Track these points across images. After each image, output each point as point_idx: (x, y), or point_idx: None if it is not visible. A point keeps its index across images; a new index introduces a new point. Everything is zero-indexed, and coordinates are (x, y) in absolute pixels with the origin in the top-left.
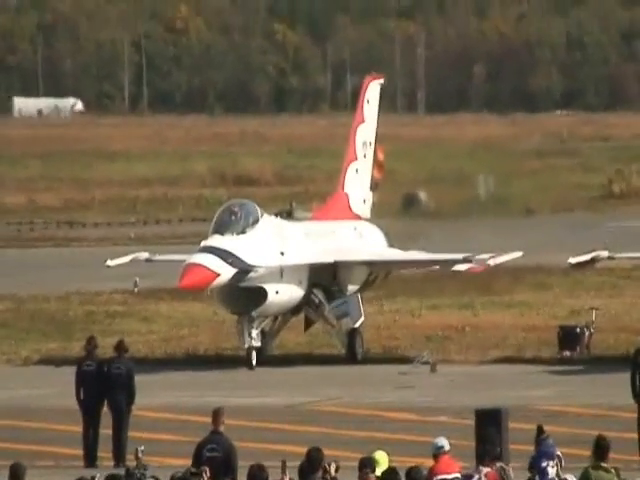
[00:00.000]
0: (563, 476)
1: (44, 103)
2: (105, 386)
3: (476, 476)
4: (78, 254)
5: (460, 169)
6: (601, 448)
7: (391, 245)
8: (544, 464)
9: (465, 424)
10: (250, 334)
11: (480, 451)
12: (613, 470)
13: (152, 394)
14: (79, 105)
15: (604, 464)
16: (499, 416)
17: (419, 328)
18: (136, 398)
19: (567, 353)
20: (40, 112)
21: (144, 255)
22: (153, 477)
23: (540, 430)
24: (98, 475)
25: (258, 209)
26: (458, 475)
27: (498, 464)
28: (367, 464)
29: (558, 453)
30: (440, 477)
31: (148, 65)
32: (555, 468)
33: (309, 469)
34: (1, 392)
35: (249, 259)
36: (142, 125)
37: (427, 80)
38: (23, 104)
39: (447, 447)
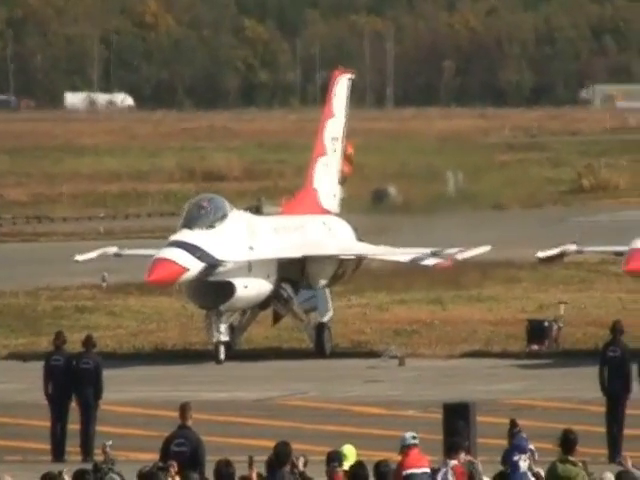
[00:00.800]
0: (535, 469)
1: (96, 97)
2: (73, 381)
3: (443, 469)
4: (47, 249)
5: (429, 164)
6: (568, 442)
7: (360, 239)
8: (516, 458)
9: (433, 418)
10: (218, 328)
11: (448, 443)
12: (580, 464)
13: (120, 389)
14: (129, 100)
15: (571, 457)
16: (467, 410)
17: (387, 322)
18: (104, 393)
19: (535, 347)
20: (92, 104)
21: (112, 250)
22: (118, 474)
23: (513, 424)
24: (65, 470)
25: (227, 204)
26: (427, 470)
27: (467, 457)
28: (335, 458)
29: (531, 447)
30: (409, 471)
31: (117, 60)
32: (527, 462)
33: (277, 463)
34: None
35: (217, 253)
36: (111, 120)
37: (396, 75)
38: (74, 98)
39: (416, 441)
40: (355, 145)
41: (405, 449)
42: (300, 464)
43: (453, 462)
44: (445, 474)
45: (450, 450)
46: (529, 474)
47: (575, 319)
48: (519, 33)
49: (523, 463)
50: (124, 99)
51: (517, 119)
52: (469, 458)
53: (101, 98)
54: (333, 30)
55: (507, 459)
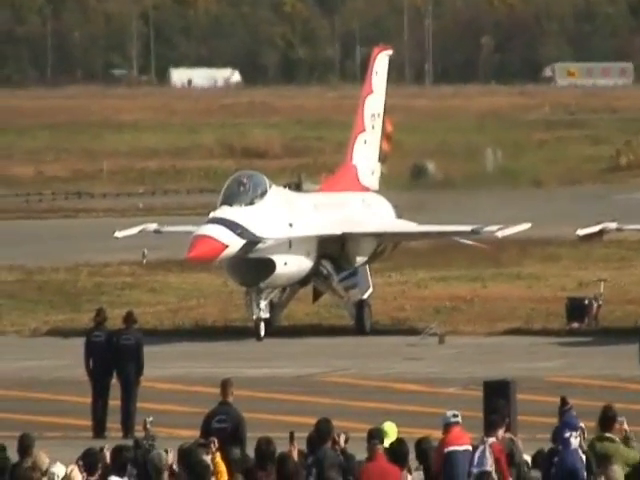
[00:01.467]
0: (585, 447)
1: (200, 74)
2: (114, 357)
3: (481, 447)
4: (86, 225)
5: (468, 141)
6: (606, 419)
7: (399, 217)
8: (567, 434)
9: (474, 395)
10: (258, 305)
11: (486, 421)
12: (618, 439)
13: (161, 365)
14: (236, 76)
15: (609, 434)
16: (507, 388)
17: (427, 300)
18: (145, 369)
19: (575, 325)
20: (190, 82)
21: (152, 226)
22: (165, 450)
23: (564, 402)
24: (107, 446)
25: (266, 180)
26: (469, 447)
27: (506, 435)
28: (375, 435)
29: (581, 425)
30: (451, 448)
31: (156, 37)
32: (578, 439)
33: (318, 440)
34: (10, 363)
35: (257, 230)
36: (150, 96)
37: (435, 52)
38: (180, 74)
39: (458, 419)
40: (394, 122)
41: (447, 427)
42: (341, 441)
43: (491, 439)
44: (483, 452)
45: (489, 428)
46: (580, 451)
47: (615, 297)
48: (558, 10)
49: (574, 440)
50: (231, 75)
51: (556, 96)
52: (509, 435)
53: (202, 74)
54: (372, 6)
55: (558, 436)
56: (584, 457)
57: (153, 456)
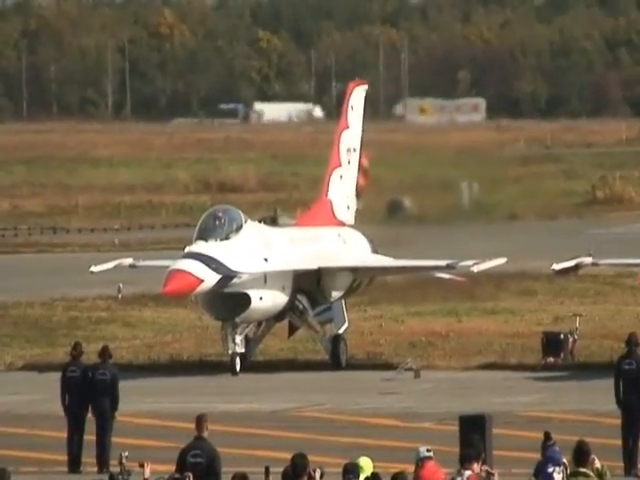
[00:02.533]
0: None
1: (288, 108)
2: (90, 392)
3: (458, 479)
4: (62, 260)
5: (445, 175)
6: (581, 453)
7: (375, 251)
8: (550, 469)
9: (449, 430)
10: (234, 340)
11: (461, 455)
12: (592, 473)
13: (136, 400)
14: (317, 111)
15: (584, 469)
16: (483, 422)
17: (403, 334)
18: (120, 404)
19: (551, 359)
20: (289, 118)
21: (128, 261)
22: (140, 464)
23: (547, 436)
24: None
25: (242, 215)
26: None
27: (484, 468)
28: (351, 470)
29: (564, 460)
30: None
31: (132, 71)
32: (561, 474)
33: (293, 475)
34: None
35: (233, 265)
36: (126, 131)
37: (411, 86)
38: (264, 109)
39: (430, 454)
40: (370, 157)
41: (420, 462)
42: (317, 476)
43: (468, 472)
44: None
45: (464, 461)
46: None
47: (591, 332)
48: (534, 45)
49: (557, 475)
50: (313, 109)
51: (532, 131)
52: (486, 468)
53: (289, 108)
54: (348, 41)
55: (541, 471)
56: None
57: None
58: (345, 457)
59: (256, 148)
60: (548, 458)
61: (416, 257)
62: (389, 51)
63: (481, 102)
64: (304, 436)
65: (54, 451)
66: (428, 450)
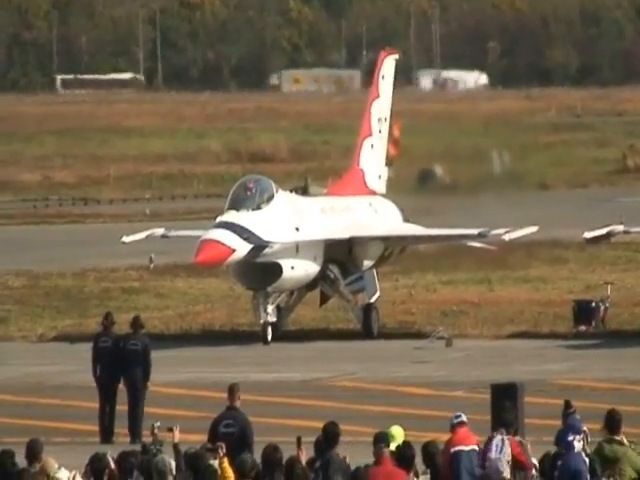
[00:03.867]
0: (589, 450)
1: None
2: (121, 362)
3: (498, 436)
4: (93, 231)
5: (475, 144)
6: (613, 421)
7: (406, 220)
8: (570, 438)
9: (481, 398)
10: (266, 309)
11: (501, 419)
12: (627, 442)
13: (168, 370)
14: (483, 79)
15: (617, 437)
16: (515, 390)
17: (434, 303)
18: (152, 374)
19: (582, 328)
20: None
21: (160, 231)
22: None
23: (567, 405)
24: (109, 452)
25: (273, 185)
26: (475, 447)
27: (516, 438)
28: (381, 439)
29: (584, 428)
30: (457, 448)
31: (163, 41)
32: (581, 442)
33: (325, 444)
34: (17, 368)
35: (264, 235)
36: (157, 101)
37: (442, 55)
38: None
39: (465, 418)
40: (401, 126)
41: (454, 428)
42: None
43: (507, 436)
44: (502, 440)
45: (503, 425)
46: (583, 454)
47: (622, 300)
48: (564, 14)
49: (577, 443)
50: (478, 78)
51: (563, 99)
52: (518, 438)
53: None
54: (378, 10)
55: (561, 439)
56: (587, 460)
57: (157, 461)
58: (376, 426)
59: (288, 118)
60: (568, 426)
61: (447, 226)
62: (420, 20)
63: (355, 74)
64: (336, 405)
65: (86, 422)
66: (458, 416)
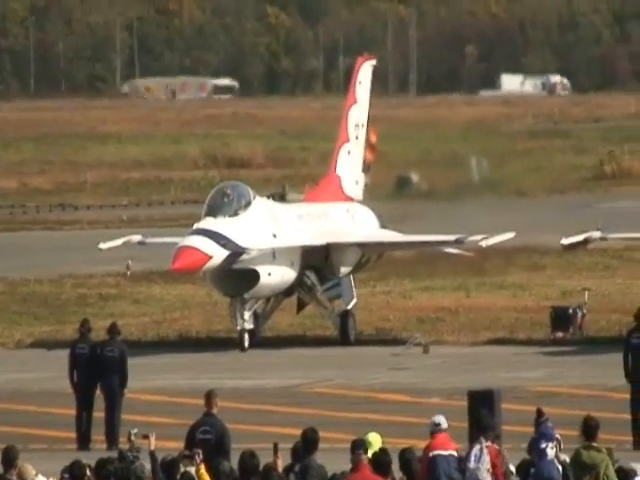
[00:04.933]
0: (562, 457)
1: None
2: (98, 369)
3: (478, 445)
4: (70, 237)
5: (453, 150)
6: (589, 428)
7: (384, 227)
8: (543, 445)
9: (458, 405)
10: (242, 316)
11: (479, 424)
12: (604, 449)
13: (145, 377)
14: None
15: (594, 444)
16: (492, 397)
17: (411, 310)
18: (129, 381)
19: (560, 334)
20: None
21: (136, 238)
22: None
23: (540, 413)
24: (84, 460)
25: (250, 191)
26: (454, 452)
27: (494, 445)
28: (359, 445)
29: (557, 435)
30: (435, 453)
31: (140, 47)
32: (554, 450)
33: (304, 450)
34: None
35: (241, 241)
36: (134, 107)
37: (419, 61)
38: (509, 80)
39: (445, 425)
40: (378, 132)
41: (433, 433)
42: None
43: (486, 443)
44: (481, 450)
45: (482, 431)
46: (556, 462)
47: (599, 306)
48: (541, 19)
49: (550, 451)
50: (564, 83)
51: (540, 106)
52: (495, 446)
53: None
54: (356, 17)
55: (534, 447)
56: (560, 468)
57: (136, 467)
58: (354, 433)
59: (265, 124)
60: (541, 434)
61: (424, 232)
62: (397, 26)
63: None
64: (313, 412)
65: (63, 428)
66: (438, 424)
